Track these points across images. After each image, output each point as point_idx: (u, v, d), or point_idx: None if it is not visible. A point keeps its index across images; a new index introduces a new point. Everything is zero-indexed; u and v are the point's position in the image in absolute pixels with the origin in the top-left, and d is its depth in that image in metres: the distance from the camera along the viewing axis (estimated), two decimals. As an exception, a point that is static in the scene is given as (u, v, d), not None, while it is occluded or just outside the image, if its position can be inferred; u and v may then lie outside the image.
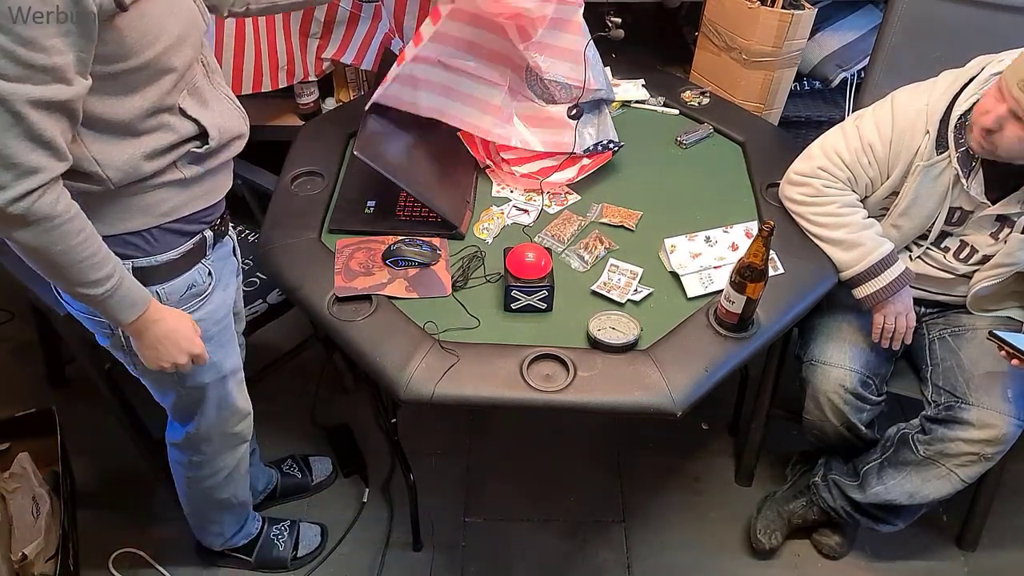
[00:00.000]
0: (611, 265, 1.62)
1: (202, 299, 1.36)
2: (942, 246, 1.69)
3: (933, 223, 1.64)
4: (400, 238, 1.63)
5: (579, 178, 1.80)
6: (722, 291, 1.49)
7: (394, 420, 1.78)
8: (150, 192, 1.21)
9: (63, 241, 1.07)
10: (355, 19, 2.10)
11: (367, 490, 2.03)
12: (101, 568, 1.88)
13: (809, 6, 2.25)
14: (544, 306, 1.53)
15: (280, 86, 2.13)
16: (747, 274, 1.40)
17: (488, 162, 1.83)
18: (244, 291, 1.89)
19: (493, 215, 1.74)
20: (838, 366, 1.71)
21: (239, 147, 1.33)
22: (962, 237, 1.67)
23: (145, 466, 1.94)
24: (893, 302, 1.66)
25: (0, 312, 2.43)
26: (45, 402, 1.90)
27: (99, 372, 1.79)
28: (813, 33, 2.32)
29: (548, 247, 1.65)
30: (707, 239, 1.65)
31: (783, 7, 2.22)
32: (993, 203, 1.59)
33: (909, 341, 1.72)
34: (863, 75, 1.99)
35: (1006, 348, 1.53)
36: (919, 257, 1.72)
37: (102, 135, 1.12)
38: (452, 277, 1.58)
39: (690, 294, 1.56)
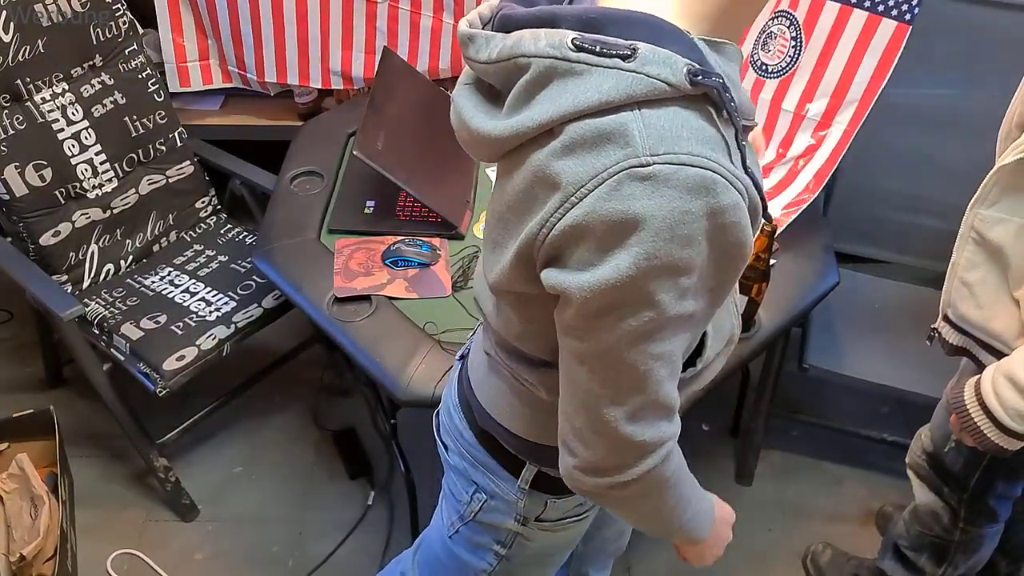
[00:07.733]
0: (612, 265, 1.61)
1: (588, 511, 1.08)
2: None
3: None
4: (400, 238, 1.63)
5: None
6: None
7: (394, 421, 1.77)
8: None
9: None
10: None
11: (372, 493, 2.02)
12: (99, 569, 1.87)
13: (810, 5, 2.24)
14: (544, 306, 1.52)
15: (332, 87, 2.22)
16: (749, 275, 1.40)
17: None
18: (239, 295, 1.88)
19: (493, 215, 1.73)
20: None
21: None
22: None
23: (144, 466, 1.94)
24: None
25: (-1, 312, 2.42)
26: (44, 402, 1.89)
27: (99, 372, 1.79)
28: (814, 32, 2.31)
29: (548, 247, 1.64)
30: None
31: (784, 6, 2.21)
32: None
33: None
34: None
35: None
36: None
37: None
38: (452, 277, 1.58)
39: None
